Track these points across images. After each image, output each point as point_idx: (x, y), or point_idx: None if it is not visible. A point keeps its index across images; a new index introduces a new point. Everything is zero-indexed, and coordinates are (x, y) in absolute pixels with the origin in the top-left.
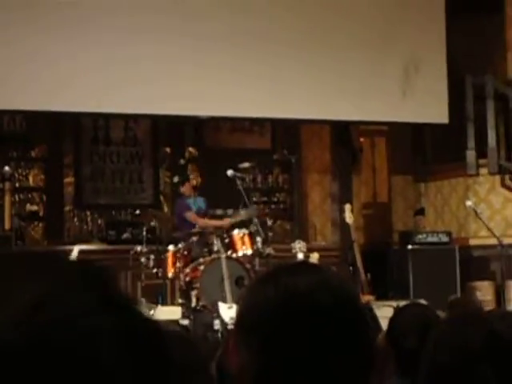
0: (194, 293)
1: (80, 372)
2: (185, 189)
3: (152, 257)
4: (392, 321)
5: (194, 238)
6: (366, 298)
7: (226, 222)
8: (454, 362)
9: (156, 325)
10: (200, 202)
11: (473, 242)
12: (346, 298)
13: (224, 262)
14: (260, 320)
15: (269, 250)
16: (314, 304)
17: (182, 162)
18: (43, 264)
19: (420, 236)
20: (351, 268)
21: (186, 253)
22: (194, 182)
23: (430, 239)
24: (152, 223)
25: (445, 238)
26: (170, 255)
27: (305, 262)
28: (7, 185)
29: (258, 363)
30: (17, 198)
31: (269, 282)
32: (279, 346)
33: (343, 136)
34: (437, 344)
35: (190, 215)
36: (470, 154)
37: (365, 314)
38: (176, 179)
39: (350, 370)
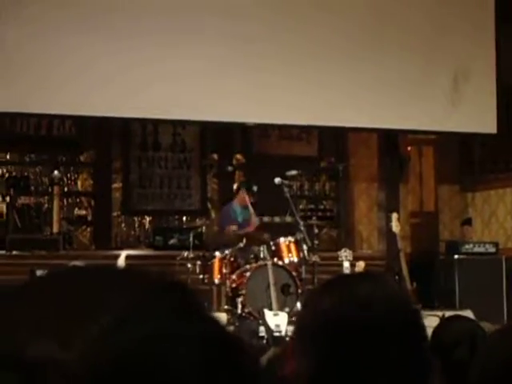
0: (239, 299)
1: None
2: (240, 198)
3: (198, 263)
4: (438, 332)
5: (241, 245)
6: None
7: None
8: (503, 373)
9: (237, 339)
10: (246, 214)
11: None
12: (401, 308)
13: (270, 269)
14: (317, 328)
15: (315, 258)
16: (369, 314)
17: (230, 168)
18: (119, 279)
19: (467, 246)
20: (397, 277)
21: (232, 259)
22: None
23: (477, 249)
24: (199, 229)
25: (491, 249)
26: (216, 261)
27: (363, 273)
28: (56, 189)
29: (314, 370)
30: (65, 203)
31: (326, 291)
32: (335, 354)
33: (391, 145)
34: (487, 355)
35: (229, 229)
36: None
37: (421, 324)
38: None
39: (405, 379)
